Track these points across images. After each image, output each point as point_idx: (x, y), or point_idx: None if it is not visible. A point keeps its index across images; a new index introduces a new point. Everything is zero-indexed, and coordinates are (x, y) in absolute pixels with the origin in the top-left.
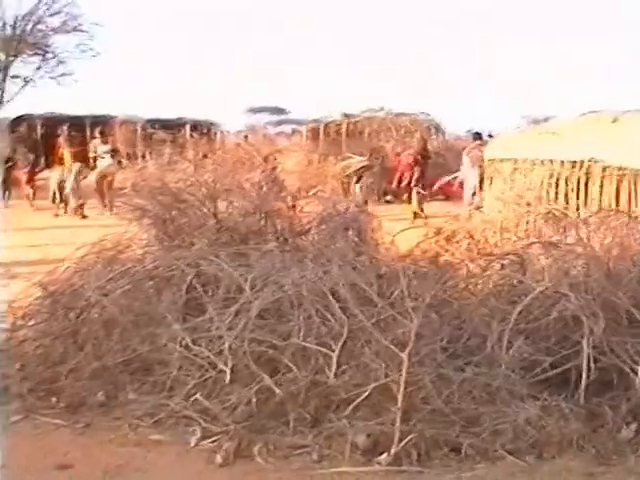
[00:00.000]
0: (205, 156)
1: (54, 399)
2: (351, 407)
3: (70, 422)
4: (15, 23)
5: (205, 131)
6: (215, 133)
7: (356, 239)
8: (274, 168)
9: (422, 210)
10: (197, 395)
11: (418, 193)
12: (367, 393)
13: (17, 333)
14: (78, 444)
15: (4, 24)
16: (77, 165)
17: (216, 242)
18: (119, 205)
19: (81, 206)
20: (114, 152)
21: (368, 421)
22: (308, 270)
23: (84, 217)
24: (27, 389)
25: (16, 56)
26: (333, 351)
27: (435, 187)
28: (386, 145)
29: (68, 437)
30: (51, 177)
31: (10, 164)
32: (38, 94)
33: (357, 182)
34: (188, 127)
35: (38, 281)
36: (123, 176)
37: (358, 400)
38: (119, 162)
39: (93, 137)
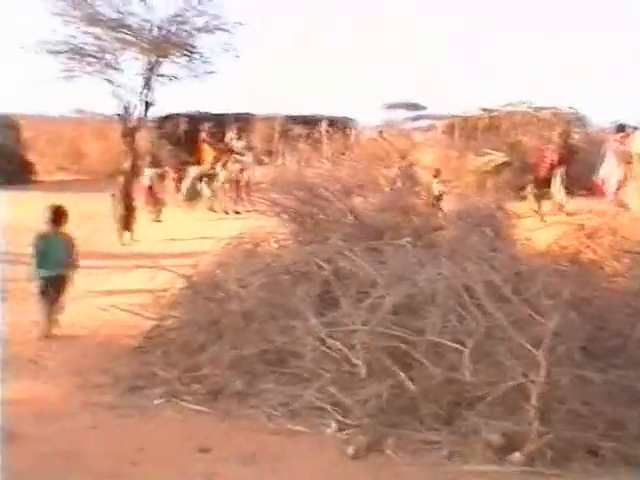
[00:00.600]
0: (342, 153)
1: (196, 385)
2: (485, 405)
3: (210, 408)
4: (161, 25)
5: (341, 127)
6: (350, 129)
7: (492, 235)
8: (411, 164)
9: (562, 206)
10: (330, 388)
11: (565, 189)
12: (502, 392)
13: (163, 322)
14: (217, 429)
15: (151, 26)
16: (231, 161)
17: (351, 237)
18: (256, 200)
19: (225, 201)
20: (250, 148)
21: (502, 420)
22: (444, 267)
23: (226, 213)
24: (172, 376)
25: (165, 56)
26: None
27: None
28: (523, 140)
29: (208, 422)
30: (189, 173)
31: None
32: (183, 93)
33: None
34: (324, 123)
35: (182, 273)
36: (262, 171)
37: (491, 397)
38: (259, 159)
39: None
